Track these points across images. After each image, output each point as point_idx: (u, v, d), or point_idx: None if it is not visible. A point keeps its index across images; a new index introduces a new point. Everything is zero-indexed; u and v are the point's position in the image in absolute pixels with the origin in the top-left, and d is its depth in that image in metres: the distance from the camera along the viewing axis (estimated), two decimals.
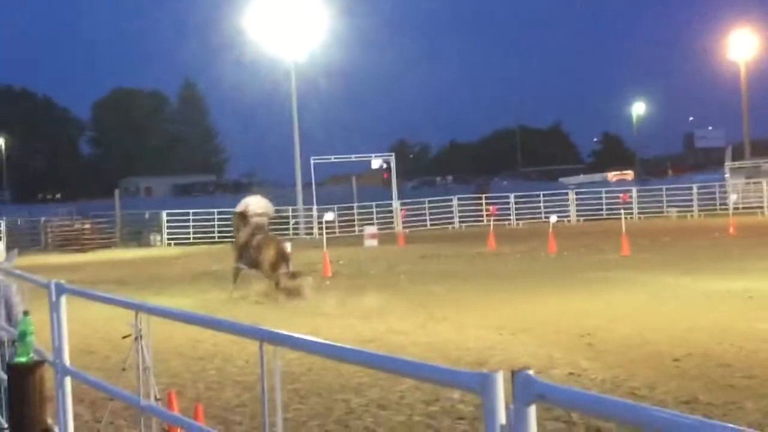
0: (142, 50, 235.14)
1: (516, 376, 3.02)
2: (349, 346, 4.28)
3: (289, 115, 60.59)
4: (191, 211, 56.67)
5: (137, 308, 6.98)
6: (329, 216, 49.77)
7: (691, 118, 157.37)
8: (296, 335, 4.71)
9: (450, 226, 58.18)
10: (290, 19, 57.84)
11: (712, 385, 11.28)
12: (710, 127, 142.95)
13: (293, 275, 24.27)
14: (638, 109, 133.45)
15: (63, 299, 7.23)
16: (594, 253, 32.69)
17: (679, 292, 20.70)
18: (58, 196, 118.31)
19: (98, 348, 15.88)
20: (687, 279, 23.04)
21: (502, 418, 3.01)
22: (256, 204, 27.03)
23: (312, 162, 57.18)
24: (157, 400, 9.27)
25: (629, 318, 17.07)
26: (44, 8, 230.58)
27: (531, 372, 3.00)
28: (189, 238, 54.91)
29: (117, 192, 62.97)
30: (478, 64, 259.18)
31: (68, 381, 7.21)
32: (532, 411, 2.98)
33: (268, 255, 24.68)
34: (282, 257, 24.81)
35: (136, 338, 8.12)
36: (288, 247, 26.07)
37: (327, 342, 4.47)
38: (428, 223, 58.12)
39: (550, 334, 15.58)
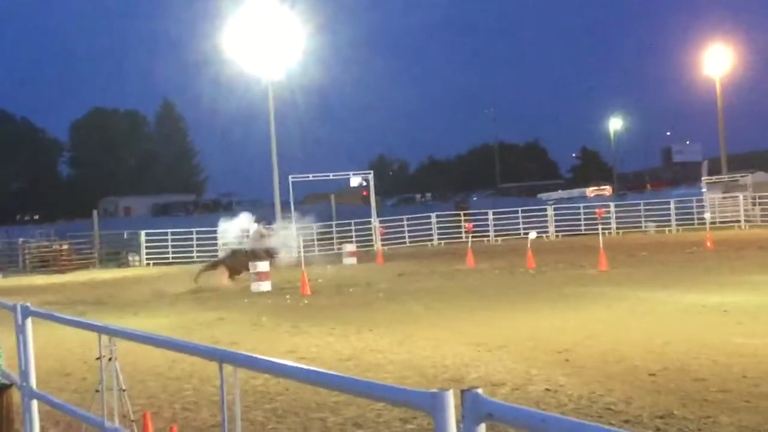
0: (119, 70, 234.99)
1: (465, 395, 3.03)
2: (303, 366, 4.30)
3: (267, 134, 60.57)
4: (170, 230, 56.55)
5: (100, 331, 6.97)
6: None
7: (668, 133, 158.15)
8: (254, 356, 4.72)
9: (429, 243, 58.23)
10: (267, 37, 57.85)
11: (687, 400, 11.32)
12: (688, 142, 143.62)
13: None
14: (616, 124, 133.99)
15: (29, 322, 7.21)
16: (572, 269, 32.76)
17: (656, 306, 20.77)
18: (36, 217, 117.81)
19: (75, 369, 15.83)
20: (664, 293, 23.13)
21: None
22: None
23: (290, 180, 57.17)
24: (132, 421, 9.27)
25: (607, 333, 17.10)
26: (20, 30, 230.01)
27: (480, 391, 3.01)
28: (168, 258, 54.81)
29: (95, 212, 62.77)
30: (456, 81, 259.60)
31: (35, 404, 7.18)
32: (482, 430, 2.99)
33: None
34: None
35: (100, 359, 8.11)
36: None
37: (282, 362, 4.49)
38: (407, 240, 58.16)
39: (527, 350, 15.61)
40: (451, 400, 3.10)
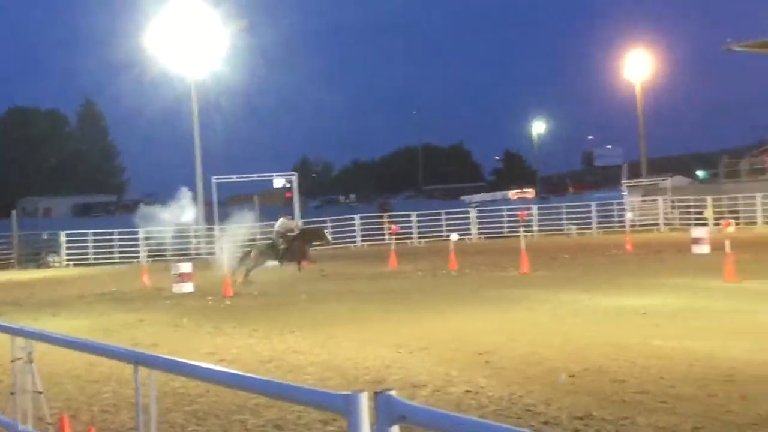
0: (39, 68, 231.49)
1: (378, 397, 3.01)
2: (217, 368, 4.28)
3: (190, 134, 60.23)
4: (91, 231, 55.94)
5: (15, 333, 6.88)
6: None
7: (590, 137, 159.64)
8: (169, 358, 4.68)
9: (352, 245, 58.20)
10: (190, 36, 57.53)
11: (605, 401, 11.43)
12: (609, 146, 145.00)
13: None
14: (538, 127, 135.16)
15: None
16: (494, 271, 32.94)
17: (577, 309, 20.95)
18: None
19: None
20: (584, 296, 23.33)
21: None
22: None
23: (213, 181, 56.87)
24: (48, 424, 9.15)
25: (527, 335, 17.21)
26: None
27: (393, 393, 3.00)
28: (88, 259, 54.24)
29: (14, 213, 61.87)
30: (380, 83, 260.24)
31: None
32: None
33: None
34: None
35: (14, 361, 8.00)
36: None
37: (197, 364, 4.46)
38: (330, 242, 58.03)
39: (448, 352, 15.66)
40: (364, 402, 3.09)
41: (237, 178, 59.61)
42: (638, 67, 75.81)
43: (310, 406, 4.08)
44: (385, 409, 2.95)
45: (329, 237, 38.64)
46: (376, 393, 3.06)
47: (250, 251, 35.88)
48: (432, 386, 12.85)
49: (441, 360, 14.88)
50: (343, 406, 3.10)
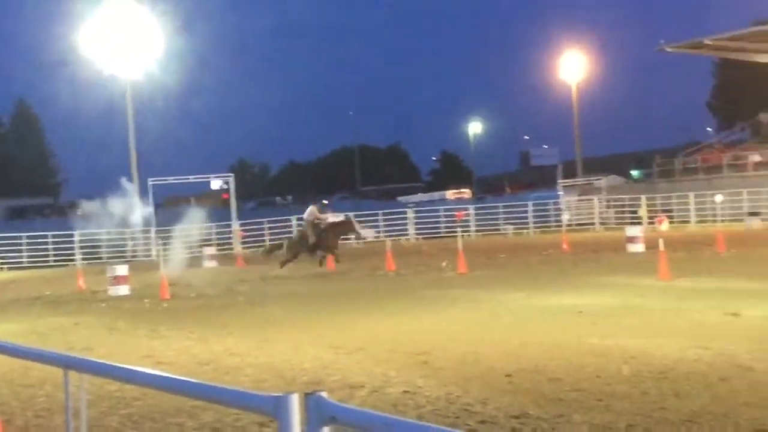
0: None
1: (308, 399, 3.01)
2: (147, 371, 4.25)
3: (126, 136, 59.84)
4: (25, 234, 55.37)
5: None
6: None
7: (526, 137, 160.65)
8: (99, 361, 4.65)
9: None
10: (125, 37, 57.13)
11: (542, 400, 11.50)
12: (545, 146, 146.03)
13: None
14: (475, 128, 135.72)
15: None
16: (432, 271, 33.03)
17: (514, 308, 21.06)
18: None
19: None
20: (521, 295, 23.46)
21: None
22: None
23: (150, 183, 56.52)
24: None
25: (465, 335, 17.27)
26: None
27: (324, 394, 3.00)
28: (23, 263, 53.68)
29: None
30: (317, 84, 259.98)
31: None
32: None
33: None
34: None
35: None
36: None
37: (126, 367, 4.43)
38: (268, 243, 57.81)
39: (386, 352, 15.67)
40: (295, 403, 3.07)
41: (174, 179, 59.27)
42: (574, 67, 76.47)
43: (240, 408, 4.06)
44: (316, 410, 2.94)
45: (360, 230, 38.39)
46: (306, 394, 3.06)
47: (282, 243, 36.02)
48: (370, 387, 12.85)
49: (379, 360, 14.89)
50: (273, 409, 3.09)
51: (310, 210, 36.98)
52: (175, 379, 4.22)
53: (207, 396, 3.84)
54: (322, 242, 35.98)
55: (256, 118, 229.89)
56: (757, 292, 21.42)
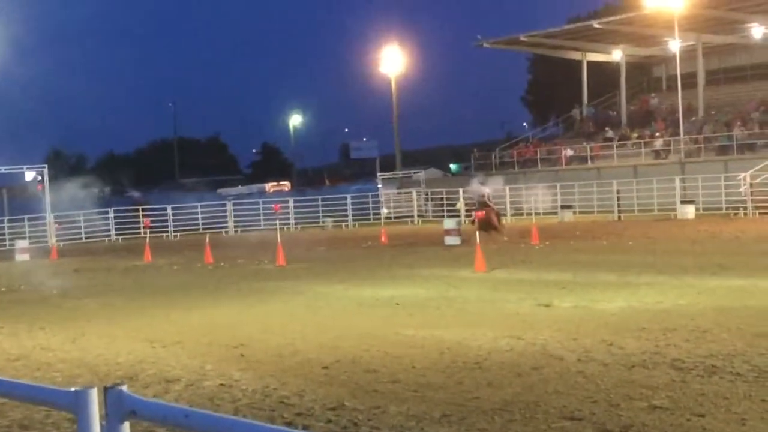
0: None
1: (108, 393, 2.94)
2: None
3: None
4: None
5: None
6: None
7: (346, 130, 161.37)
8: None
9: (107, 239, 57.02)
10: None
11: (358, 391, 11.56)
12: (365, 139, 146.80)
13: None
14: (295, 120, 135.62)
15: None
16: (250, 264, 32.89)
17: (332, 300, 21.14)
18: None
19: None
20: (340, 287, 23.58)
21: None
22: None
23: None
24: None
25: (283, 327, 17.26)
26: None
27: (124, 388, 2.93)
28: None
29: None
30: (135, 74, 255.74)
31: None
32: (126, 428, 2.90)
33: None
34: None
35: None
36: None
37: None
38: (83, 236, 56.70)
39: (203, 345, 15.53)
40: (94, 398, 2.99)
41: None
42: (393, 61, 77.02)
43: (38, 404, 3.95)
44: (115, 404, 2.87)
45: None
46: (106, 388, 2.98)
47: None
48: (186, 380, 12.72)
49: (195, 354, 14.75)
50: (72, 404, 3.00)
51: (475, 187, 39.67)
52: None
53: (6, 392, 3.71)
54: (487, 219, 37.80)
55: (74, 109, 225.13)
56: (569, 283, 22.01)
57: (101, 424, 2.95)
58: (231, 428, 2.58)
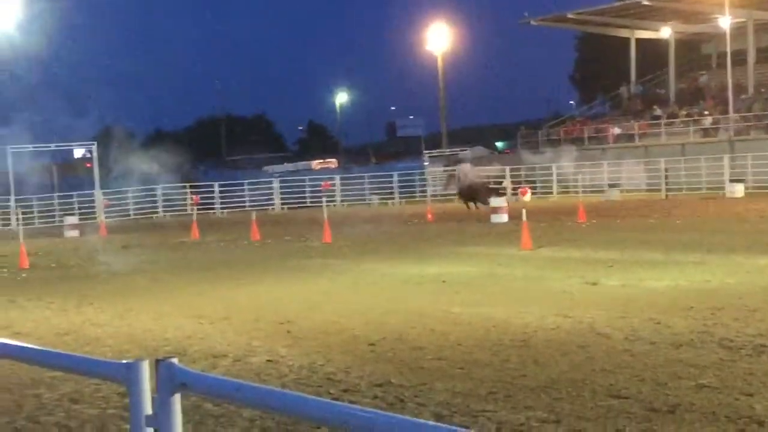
0: None
1: (159, 366, 2.96)
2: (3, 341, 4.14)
3: None
4: None
5: None
6: None
7: (393, 107, 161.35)
8: None
9: (154, 215, 57.42)
10: None
11: (404, 368, 11.57)
12: (411, 117, 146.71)
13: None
14: (341, 98, 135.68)
15: None
16: (297, 241, 32.99)
17: (378, 278, 21.15)
18: None
19: None
20: (385, 265, 23.59)
21: (147, 408, 2.95)
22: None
23: (9, 150, 55.17)
24: None
25: (329, 304, 17.29)
26: None
27: (175, 360, 2.95)
28: None
29: None
30: (183, 52, 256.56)
31: None
32: (177, 400, 2.93)
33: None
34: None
35: None
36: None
37: None
38: (132, 212, 57.15)
39: (249, 322, 15.61)
40: (145, 370, 3.02)
41: (34, 147, 57.91)
42: (439, 39, 76.77)
43: (90, 376, 4.00)
44: (167, 377, 2.89)
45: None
46: (157, 361, 3.01)
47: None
48: (233, 356, 12.79)
49: (242, 330, 14.83)
50: (123, 376, 3.04)
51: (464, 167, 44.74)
52: (24, 347, 4.12)
53: (55, 364, 3.75)
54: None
55: (122, 87, 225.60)
56: (616, 261, 21.90)
57: (152, 397, 2.97)
58: (281, 401, 2.60)
